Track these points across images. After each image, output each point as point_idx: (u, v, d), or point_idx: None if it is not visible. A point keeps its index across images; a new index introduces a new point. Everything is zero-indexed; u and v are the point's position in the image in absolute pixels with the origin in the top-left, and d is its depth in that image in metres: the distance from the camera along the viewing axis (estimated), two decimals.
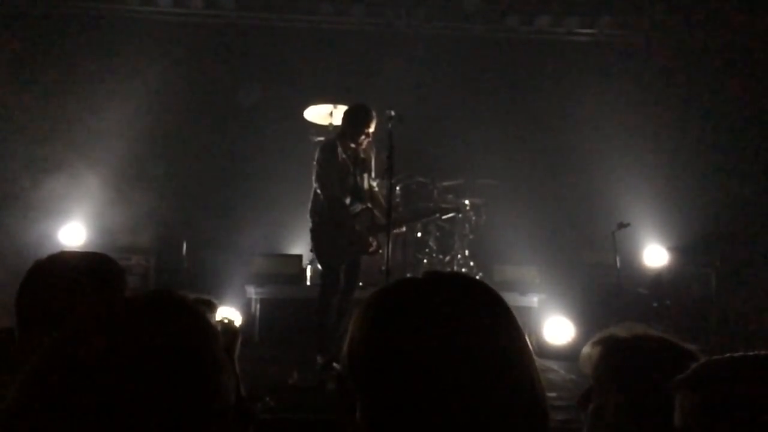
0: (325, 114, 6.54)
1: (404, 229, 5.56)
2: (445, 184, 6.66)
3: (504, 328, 0.91)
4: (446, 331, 0.88)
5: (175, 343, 0.82)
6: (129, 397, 0.77)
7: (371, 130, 4.78)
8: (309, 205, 4.87)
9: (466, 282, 0.96)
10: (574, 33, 8.35)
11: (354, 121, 4.79)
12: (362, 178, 4.90)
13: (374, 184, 5.12)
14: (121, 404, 0.76)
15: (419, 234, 6.54)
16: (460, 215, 6.36)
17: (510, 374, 0.89)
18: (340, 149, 4.79)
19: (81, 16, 7.79)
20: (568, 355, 5.42)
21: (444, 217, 6.19)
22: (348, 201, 4.80)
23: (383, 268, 4.75)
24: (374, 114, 4.78)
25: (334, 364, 4.46)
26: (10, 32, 7.56)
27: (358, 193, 4.87)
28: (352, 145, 4.83)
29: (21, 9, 7.63)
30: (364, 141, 4.82)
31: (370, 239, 4.76)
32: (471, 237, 6.72)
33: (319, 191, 4.75)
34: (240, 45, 8.02)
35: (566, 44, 8.34)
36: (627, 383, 1.55)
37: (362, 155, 4.92)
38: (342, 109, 6.46)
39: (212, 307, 0.97)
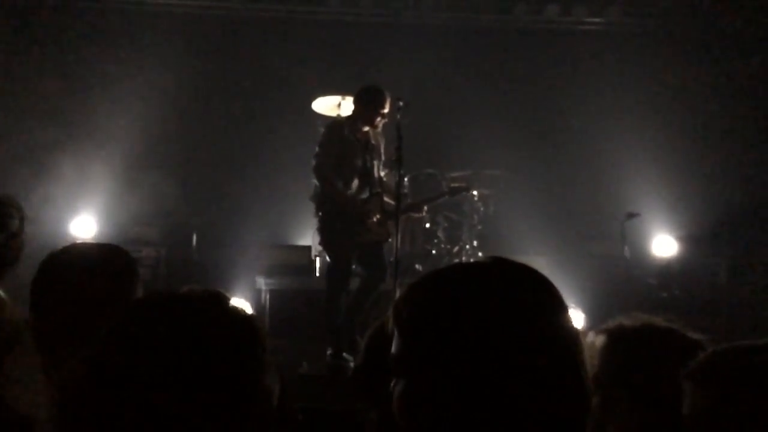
0: (333, 105, 6.53)
1: (426, 209, 5.42)
2: (454, 174, 6.64)
3: (563, 316, 0.94)
4: (518, 315, 0.90)
5: (220, 342, 0.83)
6: (171, 395, 0.78)
7: (386, 110, 4.66)
8: (312, 191, 4.80)
9: (533, 272, 0.97)
10: (583, 22, 8.30)
11: (369, 101, 4.68)
12: (373, 164, 4.77)
13: (383, 174, 5.03)
14: (162, 402, 0.78)
15: (427, 225, 6.53)
16: (468, 193, 6.20)
17: (568, 363, 0.91)
18: (347, 131, 4.70)
19: (88, 7, 7.80)
20: None
21: (455, 196, 5.97)
22: (356, 185, 4.70)
23: (392, 258, 4.74)
24: (387, 93, 4.69)
25: (344, 355, 4.47)
26: (17, 25, 7.59)
27: (368, 178, 4.75)
28: (366, 129, 4.72)
29: (29, 2, 7.65)
30: (380, 122, 4.71)
31: (377, 224, 4.67)
32: (479, 228, 6.71)
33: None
34: (247, 36, 8.01)
35: (575, 33, 8.28)
36: (632, 374, 1.56)
37: (373, 141, 4.80)
38: (350, 100, 6.46)
39: (223, 300, 0.98)
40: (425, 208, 5.32)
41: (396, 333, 0.94)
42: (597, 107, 7.69)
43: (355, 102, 4.83)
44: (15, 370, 0.90)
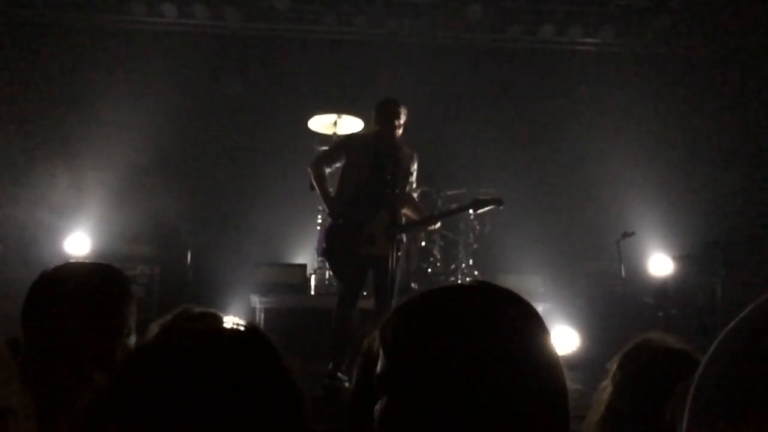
0: (329, 123, 6.56)
1: (438, 225, 5.28)
2: (449, 193, 6.66)
3: (545, 341, 0.95)
4: (499, 338, 0.92)
5: (264, 381, 0.82)
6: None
7: (401, 120, 4.66)
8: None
9: (515, 296, 0.99)
10: (577, 43, 8.36)
11: (382, 114, 4.69)
12: (391, 179, 4.51)
13: (415, 195, 4.95)
14: None
15: (423, 243, 6.53)
16: (501, 208, 5.09)
17: (547, 383, 0.92)
18: (359, 143, 4.78)
19: (87, 26, 7.85)
20: (573, 365, 5.39)
21: (480, 211, 5.09)
22: (359, 196, 4.63)
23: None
24: (401, 105, 4.68)
25: (339, 374, 4.44)
26: (13, 42, 7.61)
27: (376, 192, 4.58)
28: (387, 143, 4.67)
29: (26, 19, 7.69)
30: (398, 133, 4.68)
31: (385, 238, 4.46)
32: (475, 246, 6.72)
33: None
34: (245, 55, 8.06)
35: (570, 54, 8.35)
36: (635, 390, 1.56)
37: (396, 156, 4.67)
38: (346, 118, 6.49)
39: (217, 320, 0.96)
40: (438, 224, 5.21)
41: (381, 353, 0.96)
42: (592, 127, 7.73)
43: (374, 118, 4.83)
44: None
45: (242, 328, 0.90)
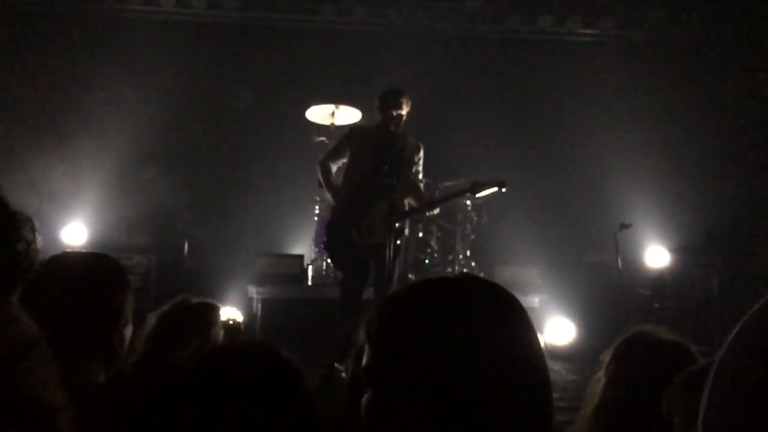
0: (326, 114, 6.55)
1: (437, 211, 5.24)
2: (447, 184, 6.65)
3: (528, 334, 0.96)
4: (483, 330, 0.92)
5: (279, 407, 0.80)
6: None
7: (400, 111, 4.63)
8: None
9: (501, 290, 1.00)
10: (576, 33, 8.34)
11: (382, 104, 4.67)
12: (389, 169, 4.39)
13: (420, 184, 4.96)
14: None
15: (420, 234, 6.53)
16: (504, 190, 4.74)
17: (529, 376, 0.93)
18: (360, 134, 4.78)
19: (83, 15, 7.81)
20: (570, 356, 5.43)
21: (479, 195, 4.85)
22: (360, 186, 4.62)
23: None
24: (401, 94, 4.65)
25: (336, 365, 4.44)
26: (10, 30, 7.57)
27: (374, 182, 4.54)
28: (388, 132, 4.64)
29: (22, 7, 7.65)
30: (397, 122, 4.65)
31: (384, 226, 4.38)
32: (472, 237, 6.72)
33: None
34: (242, 45, 8.02)
35: (568, 44, 8.33)
36: (629, 381, 1.56)
37: (397, 146, 4.60)
38: (344, 108, 6.48)
39: (215, 309, 0.96)
40: (437, 210, 5.19)
41: (366, 345, 0.96)
42: (590, 117, 7.72)
43: (376, 108, 4.79)
44: (36, 368, 0.91)
45: (263, 351, 0.88)
